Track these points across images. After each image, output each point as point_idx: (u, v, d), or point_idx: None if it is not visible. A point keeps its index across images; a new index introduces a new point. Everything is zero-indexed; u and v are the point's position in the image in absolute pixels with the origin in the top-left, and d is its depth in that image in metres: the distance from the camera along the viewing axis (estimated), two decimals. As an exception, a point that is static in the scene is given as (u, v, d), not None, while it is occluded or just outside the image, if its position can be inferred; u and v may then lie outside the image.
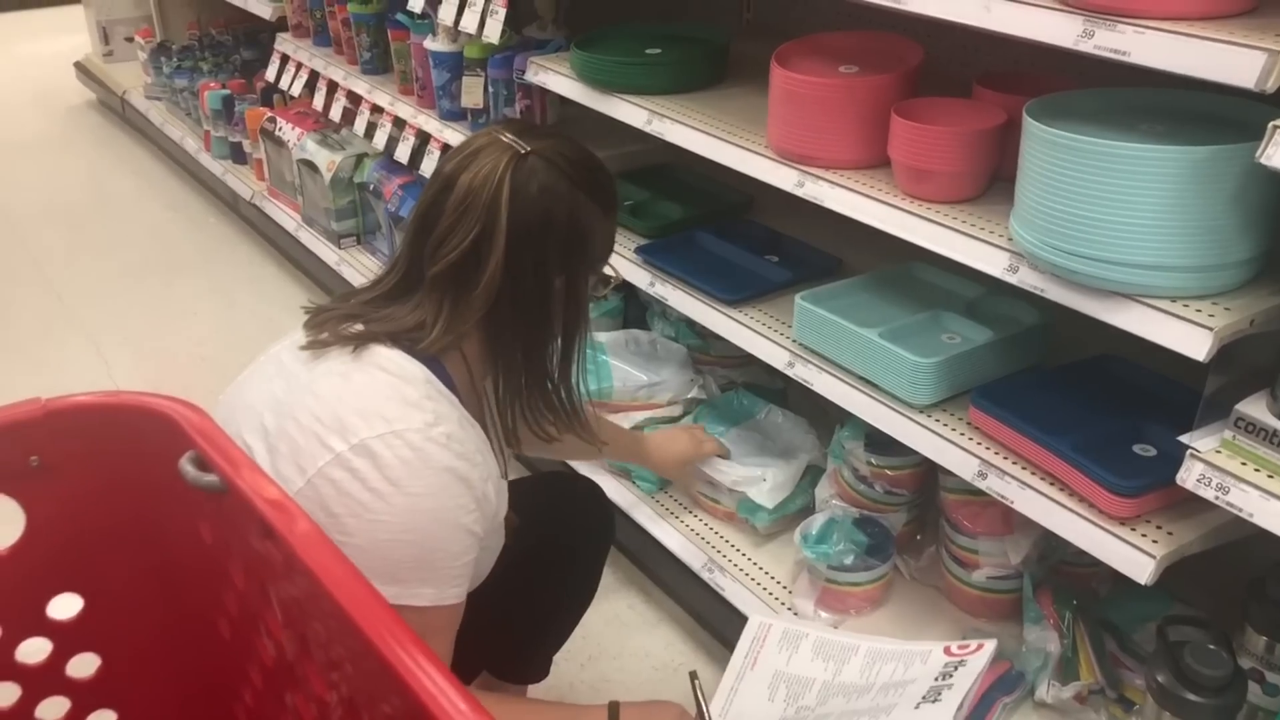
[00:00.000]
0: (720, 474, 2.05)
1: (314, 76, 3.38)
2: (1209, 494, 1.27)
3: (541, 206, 1.26)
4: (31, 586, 1.17)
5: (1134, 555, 1.37)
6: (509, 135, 1.29)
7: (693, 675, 1.31)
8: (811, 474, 2.10)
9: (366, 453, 1.17)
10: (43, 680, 1.20)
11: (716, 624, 2.07)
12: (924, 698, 1.25)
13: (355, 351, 1.24)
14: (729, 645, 2.03)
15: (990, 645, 1.31)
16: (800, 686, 1.35)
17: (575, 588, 1.75)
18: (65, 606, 1.20)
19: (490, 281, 1.24)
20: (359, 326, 1.27)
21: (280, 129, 3.53)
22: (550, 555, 1.64)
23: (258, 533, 1.01)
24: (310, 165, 3.36)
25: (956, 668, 1.28)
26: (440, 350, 1.26)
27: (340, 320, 1.29)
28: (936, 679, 1.28)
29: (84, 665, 1.23)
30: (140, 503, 1.17)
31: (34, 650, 1.19)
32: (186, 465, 1.06)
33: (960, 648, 1.32)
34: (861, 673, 1.35)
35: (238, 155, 4.05)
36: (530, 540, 1.62)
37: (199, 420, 1.10)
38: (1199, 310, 1.28)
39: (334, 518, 1.17)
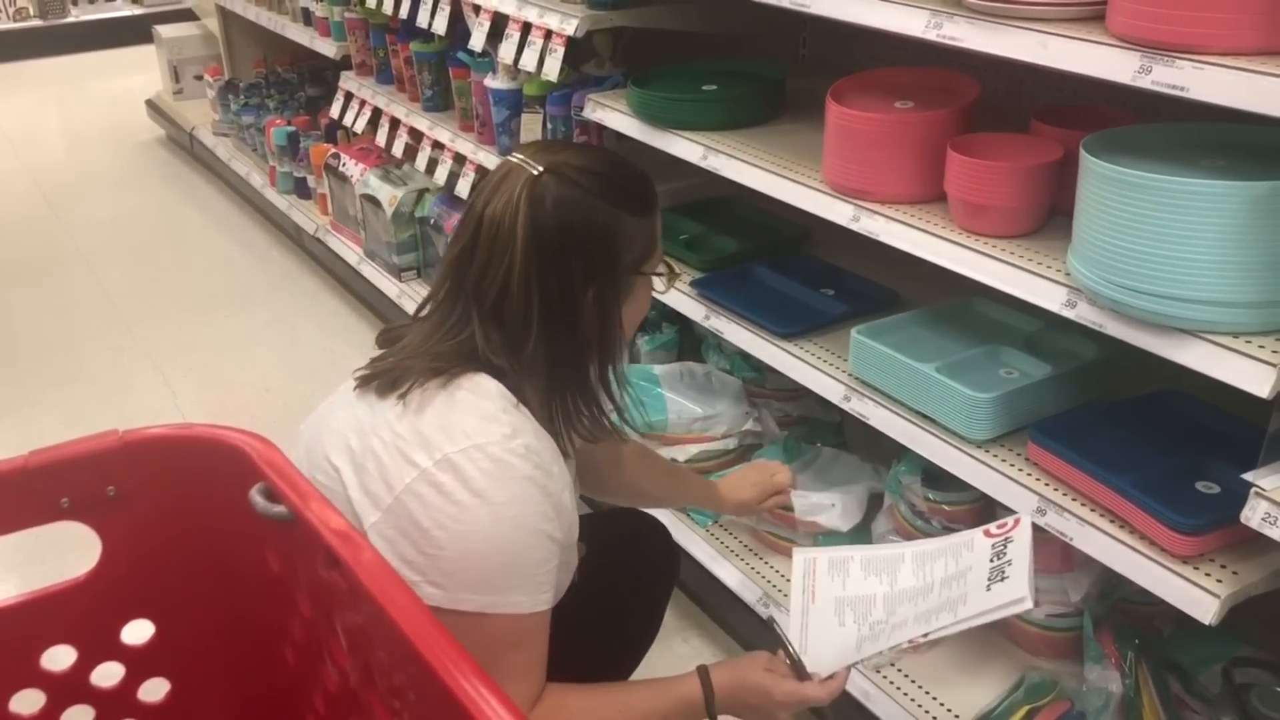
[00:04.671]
0: (794, 506, 2.02)
1: (377, 113, 3.46)
2: (1274, 533, 1.25)
3: (558, 223, 1.27)
4: (106, 612, 1.21)
5: (1197, 594, 1.35)
6: (522, 156, 1.31)
7: (771, 619, 1.34)
8: (877, 501, 2.09)
9: (450, 467, 1.20)
10: (115, 704, 1.24)
11: (772, 658, 2.06)
12: (990, 579, 1.29)
13: (436, 378, 1.27)
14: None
15: (1026, 519, 1.36)
16: (864, 605, 1.38)
17: (636, 627, 1.75)
18: (138, 632, 1.24)
19: (525, 308, 1.26)
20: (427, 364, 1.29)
21: (344, 164, 3.61)
22: (613, 593, 1.64)
23: (324, 562, 1.03)
24: (373, 200, 3.43)
25: (1005, 545, 1.32)
26: (504, 368, 1.29)
27: (407, 362, 1.30)
28: (992, 560, 1.32)
29: (155, 690, 1.26)
30: (211, 532, 1.20)
31: (108, 674, 1.23)
32: (256, 496, 1.09)
33: (999, 527, 1.35)
34: (915, 575, 1.38)
35: (302, 190, 4.15)
36: (593, 578, 1.63)
37: (268, 452, 1.13)
38: (1262, 346, 1.27)
39: (424, 532, 1.20)
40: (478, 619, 1.21)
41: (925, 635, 1.30)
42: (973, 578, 1.31)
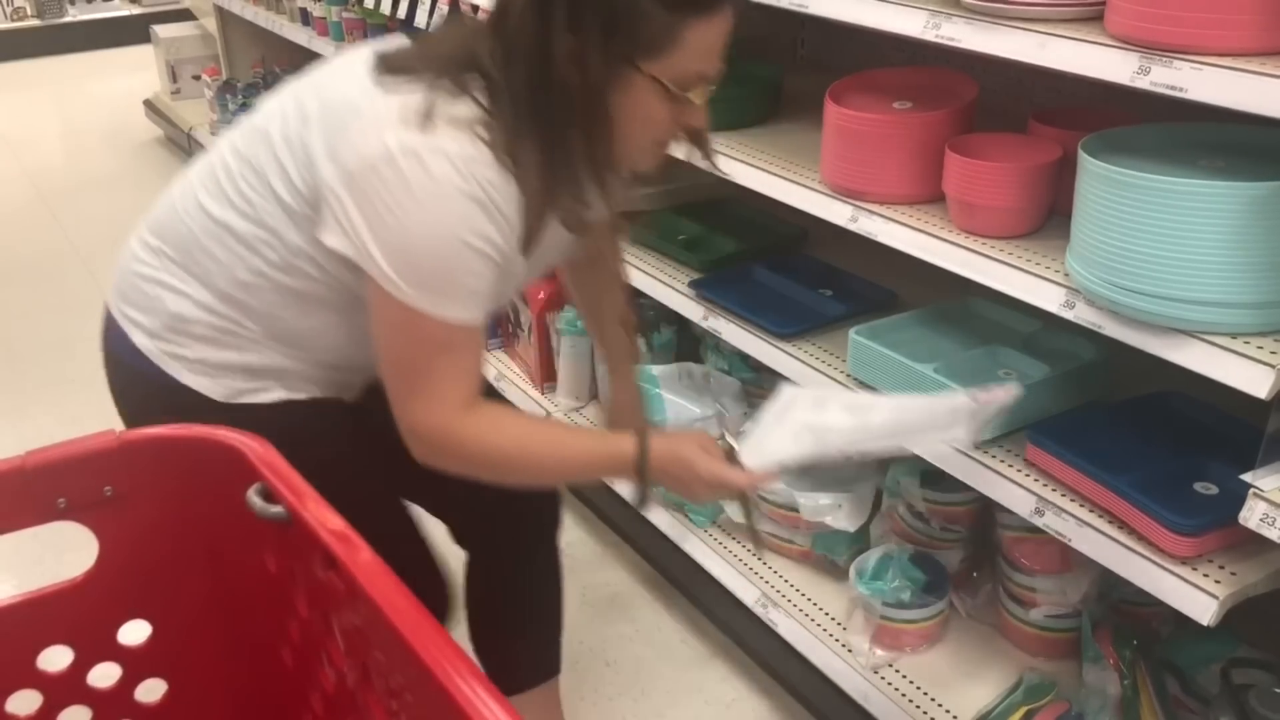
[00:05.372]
0: (801, 507, 2.04)
1: (375, 114, 3.45)
2: (1273, 534, 1.25)
3: None
4: (103, 613, 1.20)
5: (1195, 595, 1.35)
6: None
7: (720, 415, 1.38)
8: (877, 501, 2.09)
9: (415, 157, 1.23)
10: (112, 705, 1.24)
11: (770, 659, 2.06)
12: (950, 423, 1.38)
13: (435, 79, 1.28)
14: (783, 681, 2.03)
15: (1014, 388, 1.39)
16: (827, 433, 1.42)
17: (538, 570, 1.78)
18: (135, 633, 1.23)
19: (516, 33, 1.25)
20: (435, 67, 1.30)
21: (341, 165, 3.61)
22: (501, 543, 1.72)
23: (321, 563, 1.03)
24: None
25: (985, 408, 1.38)
26: (497, 89, 1.28)
27: (421, 52, 1.33)
28: (964, 413, 1.39)
29: (152, 690, 1.26)
30: (207, 532, 1.20)
31: (105, 675, 1.23)
32: (253, 496, 1.09)
33: (987, 392, 1.39)
34: (889, 420, 1.43)
35: (300, 190, 4.14)
36: (482, 542, 1.72)
37: (266, 453, 1.13)
38: (1260, 347, 1.27)
39: (375, 213, 1.25)
40: (414, 314, 1.27)
41: (860, 451, 1.38)
42: (937, 424, 1.39)
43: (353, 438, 1.49)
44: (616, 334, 1.81)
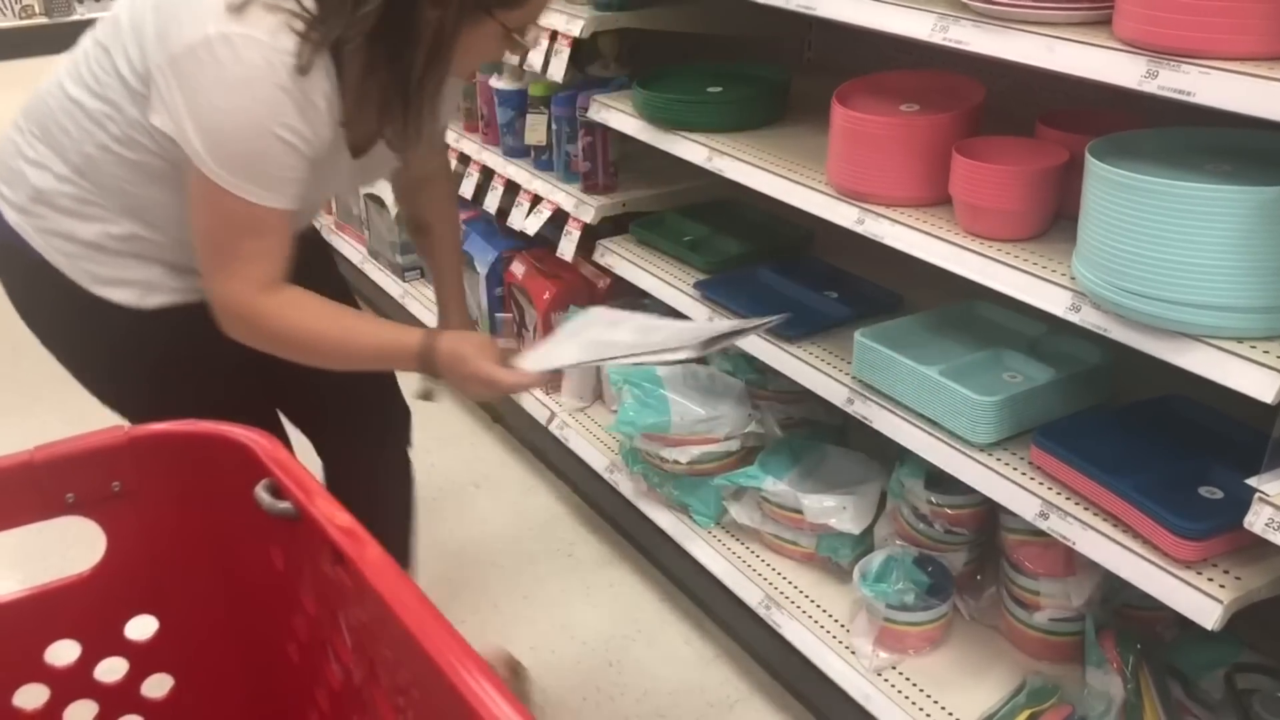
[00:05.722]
0: (805, 509, 2.05)
1: (381, 113, 3.45)
2: (1278, 539, 1.25)
3: None
4: (111, 607, 1.21)
5: (1200, 600, 1.35)
6: None
7: (510, 317, 1.50)
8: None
9: (228, 44, 1.29)
10: (119, 699, 1.24)
11: (772, 661, 2.07)
12: (707, 342, 1.51)
13: None
14: (785, 683, 2.03)
15: (781, 317, 1.64)
16: (609, 346, 1.54)
17: (387, 470, 1.94)
18: (142, 628, 1.24)
19: None
20: None
21: (348, 164, 3.61)
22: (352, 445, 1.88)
23: (329, 559, 1.04)
24: (377, 199, 3.44)
25: (741, 324, 1.57)
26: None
27: None
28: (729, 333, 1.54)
29: (158, 686, 1.27)
30: (215, 528, 1.21)
31: (111, 670, 1.23)
32: (262, 492, 1.10)
33: (763, 321, 1.61)
34: (670, 339, 1.54)
35: (306, 189, 4.14)
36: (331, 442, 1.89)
37: (274, 449, 1.14)
38: (1267, 351, 1.27)
39: (192, 95, 1.32)
40: (224, 195, 1.35)
41: (625, 362, 1.52)
42: (701, 336, 1.51)
43: (197, 346, 1.53)
44: (445, 243, 1.90)
